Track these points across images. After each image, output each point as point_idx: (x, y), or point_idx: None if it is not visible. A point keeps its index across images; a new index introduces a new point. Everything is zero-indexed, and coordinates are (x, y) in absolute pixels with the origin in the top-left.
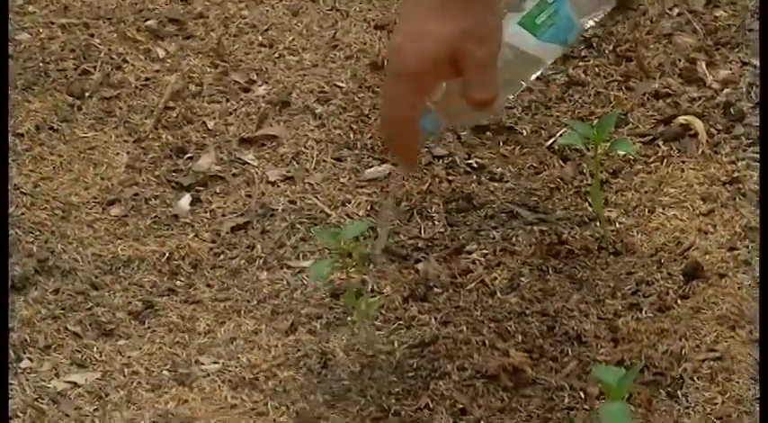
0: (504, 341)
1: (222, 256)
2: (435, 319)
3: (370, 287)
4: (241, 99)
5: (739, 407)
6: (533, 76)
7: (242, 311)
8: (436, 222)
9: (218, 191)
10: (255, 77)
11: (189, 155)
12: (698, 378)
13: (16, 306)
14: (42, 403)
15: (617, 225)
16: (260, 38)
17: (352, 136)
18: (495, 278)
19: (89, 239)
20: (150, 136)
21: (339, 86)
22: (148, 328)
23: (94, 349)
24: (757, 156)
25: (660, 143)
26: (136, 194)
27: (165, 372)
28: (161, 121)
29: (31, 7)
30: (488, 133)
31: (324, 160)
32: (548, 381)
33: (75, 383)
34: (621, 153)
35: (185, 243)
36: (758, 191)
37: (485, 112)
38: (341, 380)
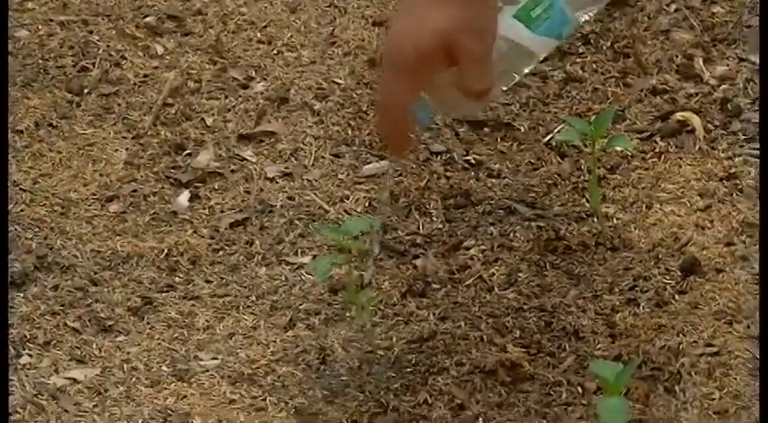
0: (502, 336)
1: (221, 253)
2: (433, 314)
3: (367, 281)
4: (239, 96)
5: (737, 402)
6: (527, 69)
7: (241, 307)
8: (434, 218)
9: (216, 187)
10: (254, 74)
11: (187, 151)
12: (695, 373)
13: (16, 302)
14: (42, 399)
15: (614, 221)
16: (258, 35)
17: (350, 132)
18: (493, 274)
19: (88, 236)
20: (149, 132)
21: (337, 83)
22: (147, 323)
23: (94, 345)
24: (754, 152)
25: (657, 139)
26: (135, 191)
27: (164, 367)
28: (160, 117)
29: (30, 4)
30: (486, 130)
31: (322, 156)
32: (545, 376)
33: (74, 379)
34: (619, 149)
35: (184, 239)
36: (755, 186)
37: (479, 104)
38: (339, 375)
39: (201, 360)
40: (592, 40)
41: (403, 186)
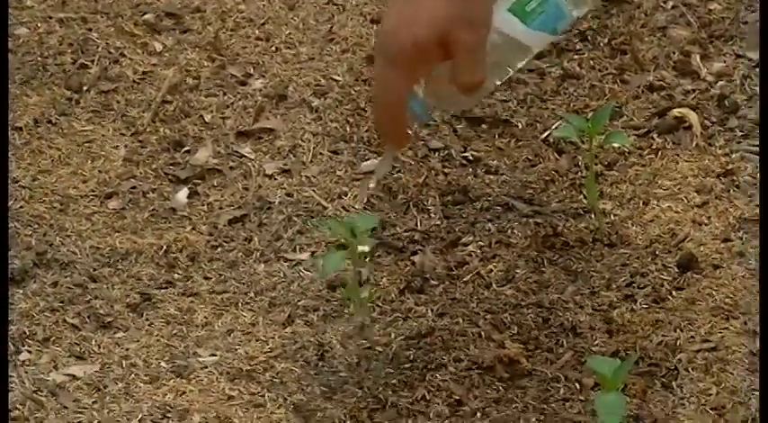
0: (500, 333)
1: (219, 249)
2: (431, 310)
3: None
4: (238, 92)
5: (734, 397)
6: (521, 64)
7: (239, 304)
8: (432, 215)
9: (215, 184)
10: (252, 71)
11: (186, 148)
12: (692, 369)
13: (15, 299)
14: (41, 395)
15: (612, 217)
16: (257, 32)
17: (348, 129)
18: (491, 270)
19: (87, 232)
20: (148, 129)
21: (335, 80)
22: (146, 320)
23: (93, 342)
24: (751, 148)
25: (655, 135)
26: (133, 187)
27: (162, 364)
28: (158, 114)
29: (29, 2)
30: (484, 126)
31: (320, 153)
32: (543, 372)
33: (73, 376)
34: (616, 145)
35: (183, 236)
36: (752, 182)
37: (472, 96)
38: (338, 371)
39: (200, 356)
40: (589, 37)
41: (401, 183)
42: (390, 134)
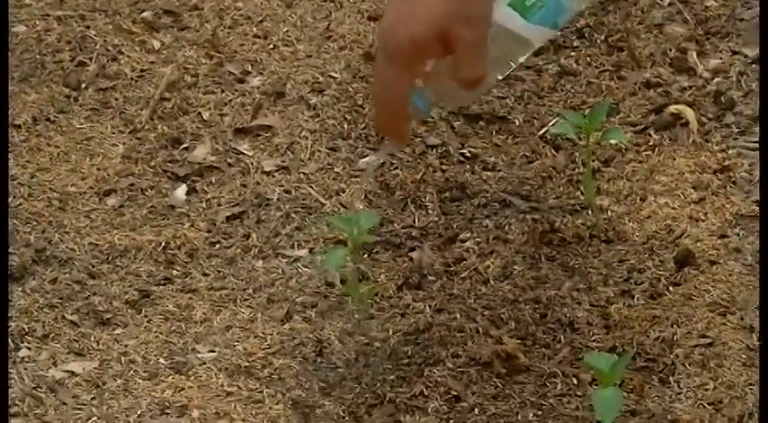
0: (498, 328)
1: (218, 246)
2: (429, 306)
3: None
4: (236, 90)
5: (730, 392)
6: (522, 58)
7: (238, 300)
8: (430, 211)
9: (213, 181)
10: (250, 68)
11: (184, 145)
12: (689, 364)
13: (14, 296)
14: (40, 392)
15: (609, 213)
16: (254, 29)
17: (346, 126)
18: (489, 266)
19: (86, 229)
20: (146, 127)
21: (333, 77)
22: (145, 316)
23: (92, 338)
24: (748, 144)
25: (651, 132)
26: (132, 185)
27: (161, 360)
28: (157, 111)
29: (28, 0)
30: (481, 123)
31: (318, 150)
32: (541, 367)
33: (72, 372)
34: (613, 142)
35: (181, 232)
36: (749, 179)
37: (473, 92)
38: (336, 367)
39: (199, 353)
40: (586, 34)
41: (399, 179)
42: (390, 131)
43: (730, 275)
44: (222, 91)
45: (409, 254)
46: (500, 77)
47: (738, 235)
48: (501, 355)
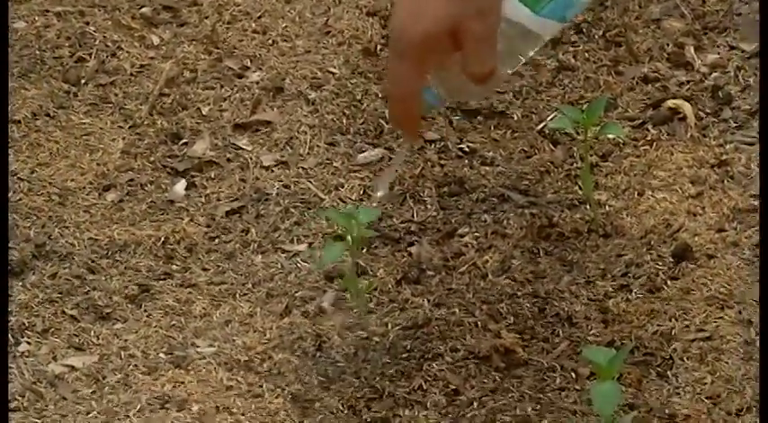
0: (496, 323)
1: (217, 241)
2: (428, 301)
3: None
4: (235, 85)
5: (728, 386)
6: (532, 52)
7: (237, 295)
8: (429, 206)
9: (212, 176)
10: (249, 64)
11: (184, 140)
12: (687, 358)
13: (14, 290)
14: (40, 386)
15: (607, 208)
16: (253, 25)
17: (344, 121)
18: (487, 261)
19: (86, 224)
20: (145, 122)
21: (332, 72)
22: (145, 311)
23: (91, 333)
24: (745, 138)
25: (649, 127)
26: (131, 180)
27: (161, 355)
28: (156, 107)
29: None
30: (480, 118)
31: (317, 145)
32: (539, 361)
33: (72, 367)
34: (611, 137)
35: (181, 227)
36: (746, 173)
37: (484, 87)
38: (335, 362)
39: (198, 347)
40: (584, 29)
41: (397, 174)
42: (404, 126)
43: (728, 269)
44: (221, 86)
45: (408, 248)
46: (510, 72)
47: (736, 229)
48: (499, 349)
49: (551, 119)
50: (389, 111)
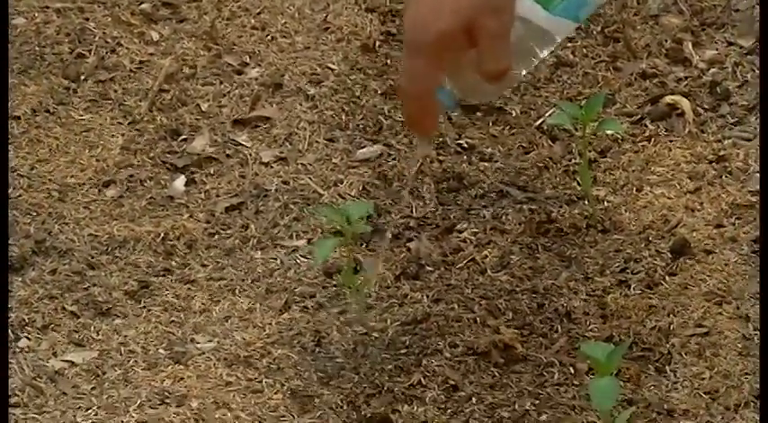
0: (495, 318)
1: (217, 237)
2: (427, 296)
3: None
4: (234, 81)
5: (727, 381)
6: (546, 52)
7: (236, 290)
8: (427, 202)
9: (212, 172)
10: (248, 60)
11: (183, 137)
12: (686, 353)
13: (14, 286)
14: (40, 382)
15: (605, 203)
16: (252, 21)
17: (344, 117)
18: (486, 256)
19: (85, 220)
20: (145, 118)
21: (331, 68)
22: (144, 307)
23: (91, 329)
24: (743, 134)
25: (647, 122)
26: (131, 176)
27: (161, 350)
28: (155, 103)
29: None
30: (478, 114)
31: (316, 141)
32: (538, 357)
33: (72, 362)
34: (609, 132)
35: (180, 223)
36: (744, 169)
37: (497, 86)
38: (334, 357)
39: (198, 343)
40: (582, 25)
41: (396, 170)
42: (420, 126)
43: (726, 265)
44: (220, 82)
45: (407, 244)
46: (524, 72)
47: (734, 224)
48: (498, 344)
49: (550, 115)
50: (404, 110)
